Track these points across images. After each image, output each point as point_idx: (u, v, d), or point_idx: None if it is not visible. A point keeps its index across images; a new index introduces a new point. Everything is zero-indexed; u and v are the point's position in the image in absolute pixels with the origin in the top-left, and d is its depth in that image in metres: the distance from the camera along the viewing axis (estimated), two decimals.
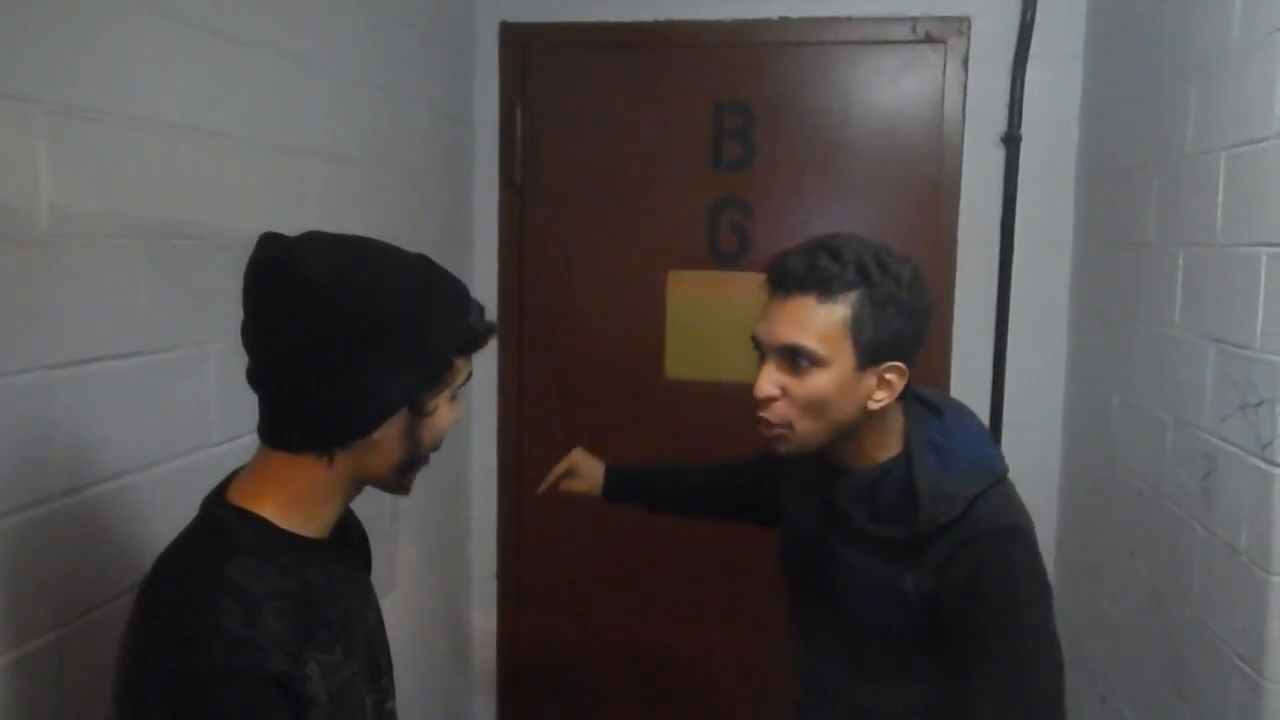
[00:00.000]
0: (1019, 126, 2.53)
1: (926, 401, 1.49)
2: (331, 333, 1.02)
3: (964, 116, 2.56)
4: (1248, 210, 1.60)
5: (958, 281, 2.60)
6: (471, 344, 1.12)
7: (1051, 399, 2.57)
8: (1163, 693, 1.86)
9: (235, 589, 1.00)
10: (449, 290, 1.11)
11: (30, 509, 1.17)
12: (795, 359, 1.35)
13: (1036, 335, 2.57)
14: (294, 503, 1.08)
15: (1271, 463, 1.48)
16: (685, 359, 2.69)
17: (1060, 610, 2.46)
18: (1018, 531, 1.40)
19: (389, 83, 2.14)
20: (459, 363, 1.11)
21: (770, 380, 1.37)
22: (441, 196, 2.50)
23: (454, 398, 1.13)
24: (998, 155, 2.55)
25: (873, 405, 1.38)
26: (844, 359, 1.34)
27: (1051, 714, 1.36)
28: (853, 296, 1.33)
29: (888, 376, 1.37)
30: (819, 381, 1.35)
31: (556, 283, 2.74)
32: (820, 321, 1.34)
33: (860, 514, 1.44)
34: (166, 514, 1.40)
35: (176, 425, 1.44)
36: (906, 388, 1.42)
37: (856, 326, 1.33)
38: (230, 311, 1.54)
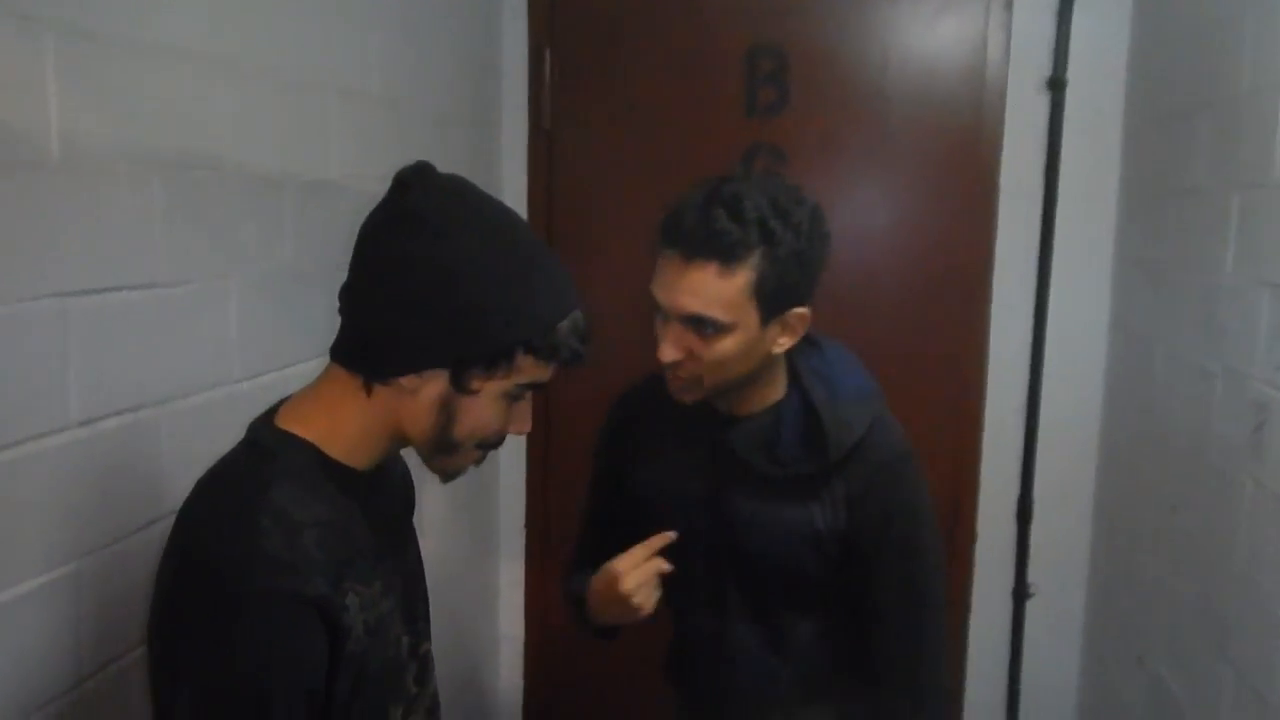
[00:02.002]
0: (1064, 71, 2.44)
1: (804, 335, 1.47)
2: (404, 263, 1.01)
3: (1007, 61, 2.47)
4: None
5: (998, 233, 2.52)
6: (546, 350, 1.05)
7: (1093, 353, 2.50)
8: (1204, 654, 1.81)
9: (277, 513, 0.98)
10: (548, 288, 1.06)
11: (45, 438, 1.15)
12: (701, 327, 1.33)
13: (1079, 287, 2.49)
14: (337, 432, 1.06)
15: None
16: None
17: (1096, 570, 2.42)
18: (913, 456, 1.47)
19: (413, 22, 2.09)
20: (524, 361, 1.05)
21: (674, 345, 1.35)
22: (468, 140, 2.46)
23: (515, 400, 1.08)
24: (1042, 101, 2.47)
25: (776, 350, 1.39)
26: (749, 320, 1.33)
27: (942, 619, 1.51)
28: (754, 258, 1.30)
29: (790, 321, 1.38)
30: (725, 345, 1.33)
31: (586, 230, 2.69)
32: (724, 291, 1.30)
33: (760, 459, 1.44)
34: (186, 449, 1.38)
35: (196, 360, 1.42)
36: None
37: (760, 288, 1.31)
38: (250, 246, 1.53)
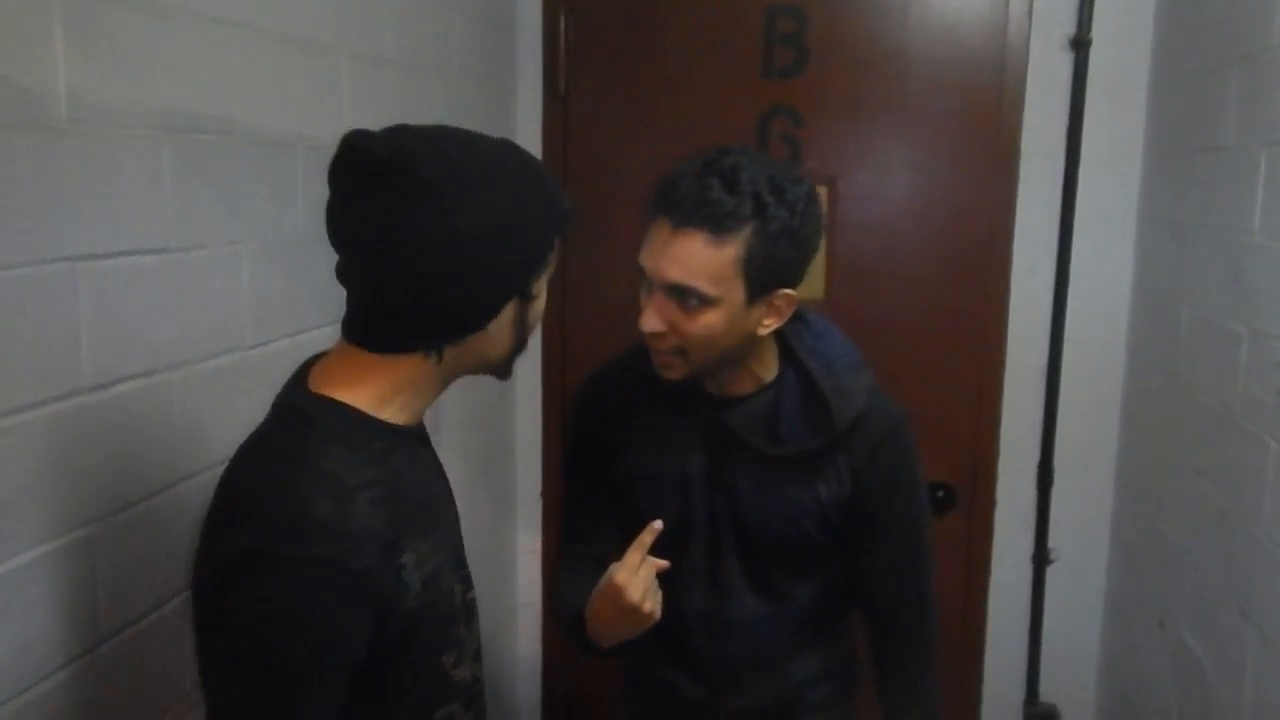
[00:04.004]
0: (1089, 29, 2.39)
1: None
2: (457, 234, 1.00)
3: (1030, 19, 2.42)
4: None
5: (1019, 194, 2.48)
6: (566, 224, 1.11)
7: (1116, 316, 2.47)
8: (1227, 616, 1.79)
9: (329, 480, 0.98)
10: (541, 173, 1.11)
11: (56, 403, 1.14)
12: (684, 298, 1.31)
13: (1102, 250, 2.45)
14: (390, 395, 1.06)
15: None
16: None
17: (1118, 535, 2.40)
18: (906, 419, 1.50)
19: None
20: (558, 244, 1.11)
21: (657, 316, 1.33)
22: (482, 106, 2.43)
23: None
24: (1065, 60, 2.42)
25: (761, 331, 1.37)
26: (734, 295, 1.31)
27: (931, 565, 1.57)
28: (745, 232, 1.28)
29: (777, 303, 1.36)
30: (708, 319, 1.32)
31: (602, 196, 2.66)
32: (711, 262, 1.28)
33: (761, 440, 1.44)
34: (199, 415, 1.39)
35: (208, 326, 1.41)
36: None
37: (748, 263, 1.29)
38: (262, 212, 1.52)
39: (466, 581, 1.21)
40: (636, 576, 1.28)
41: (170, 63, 1.30)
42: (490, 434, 2.62)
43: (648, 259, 1.33)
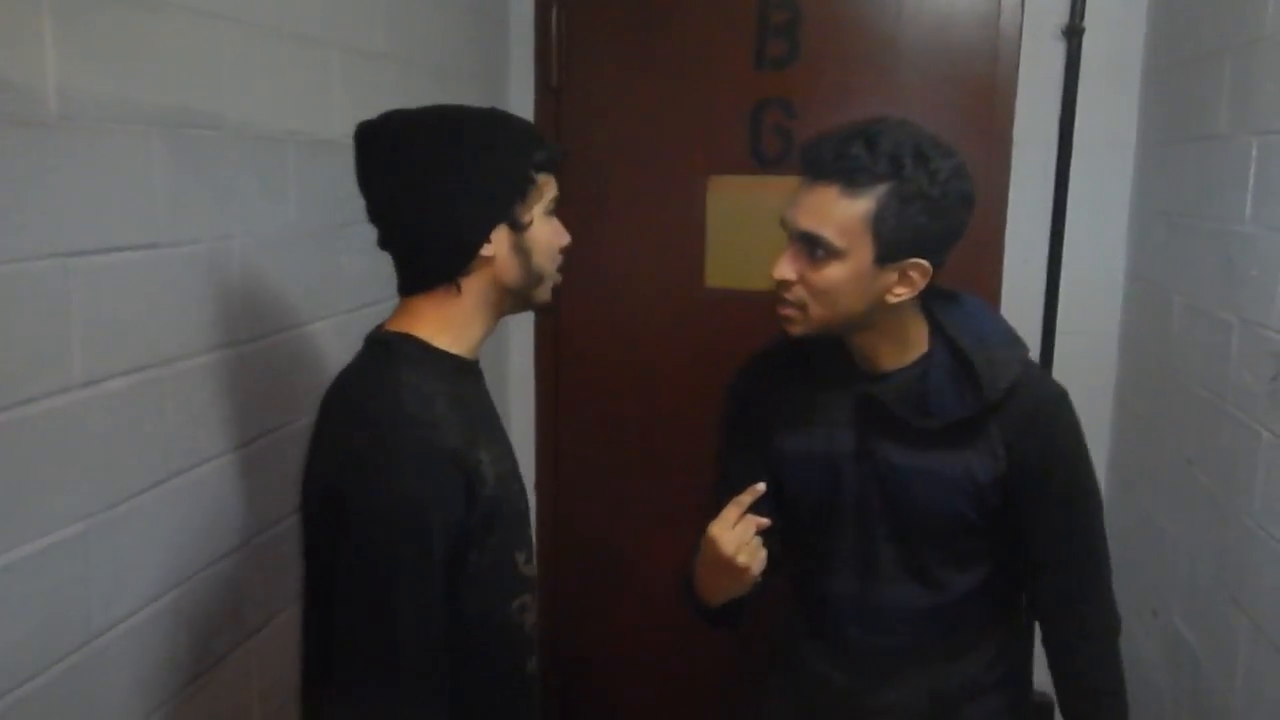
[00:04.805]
0: (1082, 18, 2.38)
1: (939, 291, 1.47)
2: (425, 164, 1.18)
3: (1022, 8, 2.42)
4: None
5: (1012, 183, 2.48)
6: (549, 159, 1.24)
7: (1109, 304, 2.47)
8: (1219, 605, 1.80)
9: (412, 387, 1.18)
10: (514, 119, 1.27)
11: (48, 399, 1.14)
12: (813, 247, 1.33)
13: (1094, 239, 2.45)
14: (442, 329, 1.24)
15: None
16: (726, 267, 2.61)
17: (1111, 524, 2.41)
18: (1067, 394, 1.49)
19: None
20: (541, 178, 1.24)
21: (788, 264, 1.36)
22: (474, 98, 2.38)
23: (550, 215, 1.27)
24: (1058, 49, 2.41)
25: (891, 300, 1.36)
26: (862, 253, 1.32)
27: (1105, 554, 1.54)
28: (879, 190, 1.30)
29: (909, 273, 1.35)
30: (833, 272, 1.33)
31: (594, 189, 2.66)
32: (841, 213, 1.31)
33: (911, 411, 1.42)
34: (191, 410, 1.39)
35: (200, 320, 1.41)
36: (929, 284, 1.39)
37: (878, 221, 1.30)
38: (253, 207, 1.52)
39: (525, 494, 1.35)
40: (731, 530, 1.31)
41: (161, 57, 1.30)
42: None
43: (786, 209, 1.37)
